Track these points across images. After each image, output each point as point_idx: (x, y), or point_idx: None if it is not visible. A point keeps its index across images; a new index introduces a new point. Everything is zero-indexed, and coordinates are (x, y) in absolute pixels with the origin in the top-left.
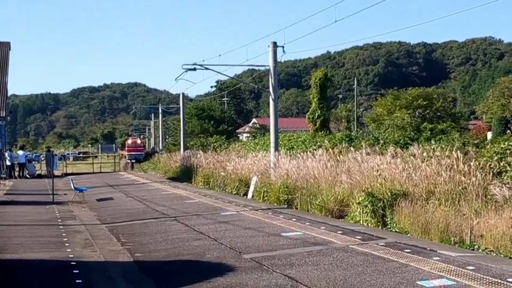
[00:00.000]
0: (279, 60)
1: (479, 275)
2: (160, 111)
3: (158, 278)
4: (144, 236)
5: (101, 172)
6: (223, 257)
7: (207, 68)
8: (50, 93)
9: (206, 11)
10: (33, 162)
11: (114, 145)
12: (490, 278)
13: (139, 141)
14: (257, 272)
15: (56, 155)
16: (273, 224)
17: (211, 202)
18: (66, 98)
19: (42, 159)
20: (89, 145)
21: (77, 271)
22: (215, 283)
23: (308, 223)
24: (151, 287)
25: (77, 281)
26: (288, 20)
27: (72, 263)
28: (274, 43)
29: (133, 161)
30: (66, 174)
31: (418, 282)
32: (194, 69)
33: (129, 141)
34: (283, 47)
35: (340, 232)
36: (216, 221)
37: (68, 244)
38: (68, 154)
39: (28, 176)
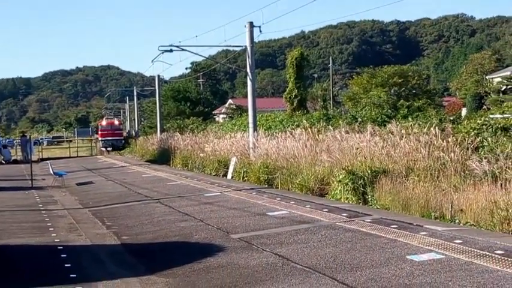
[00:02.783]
0: (255, 40)
1: (467, 248)
2: (135, 94)
3: (148, 260)
4: (129, 218)
5: (77, 156)
6: (211, 237)
7: (183, 49)
8: (21, 78)
9: None
10: (8, 147)
11: (90, 129)
12: (478, 251)
13: (117, 123)
14: (247, 251)
15: (29, 140)
16: (257, 204)
17: (193, 183)
18: (38, 82)
19: (17, 144)
20: (63, 129)
21: (65, 255)
22: (206, 263)
23: (293, 202)
24: (141, 269)
25: (66, 265)
26: (265, 0)
27: (59, 247)
28: (251, 23)
29: (109, 148)
30: (43, 159)
31: (407, 257)
32: (171, 50)
33: (104, 122)
34: (259, 27)
35: (326, 210)
36: (200, 202)
37: (52, 229)
38: (42, 139)
39: (3, 162)
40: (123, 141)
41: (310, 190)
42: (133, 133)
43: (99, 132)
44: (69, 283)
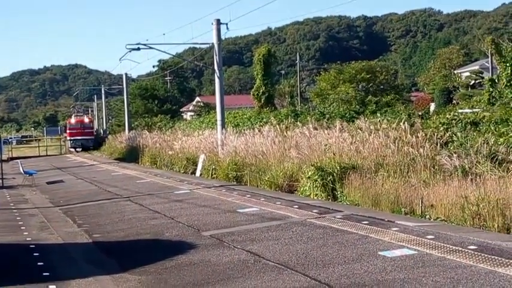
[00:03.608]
0: (222, 37)
1: (439, 243)
2: (103, 92)
3: (120, 257)
4: (99, 217)
5: (47, 155)
6: (182, 235)
7: (151, 48)
8: None
9: None
10: None
11: (59, 128)
12: (451, 246)
13: (87, 120)
14: (218, 248)
15: None
16: (228, 201)
17: (163, 181)
18: (6, 82)
19: None
20: (32, 128)
21: (37, 254)
22: (178, 261)
23: (263, 199)
24: (113, 267)
25: (39, 263)
26: None
27: (31, 246)
28: (218, 20)
29: (78, 149)
30: (12, 159)
31: (380, 253)
32: (138, 48)
33: (72, 120)
34: (227, 24)
35: (296, 206)
36: (170, 199)
37: (24, 228)
38: (11, 138)
39: None
40: (94, 140)
41: (279, 187)
42: (102, 132)
43: (68, 131)
44: (42, 281)
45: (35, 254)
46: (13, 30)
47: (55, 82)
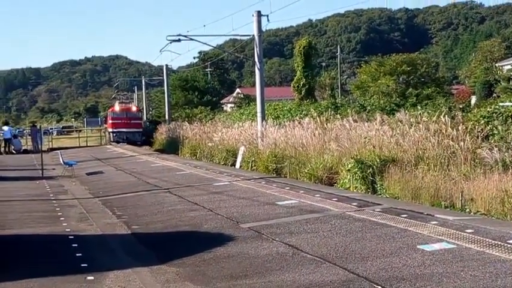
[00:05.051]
0: (262, 29)
1: (478, 237)
2: (143, 83)
3: (158, 249)
4: (138, 208)
5: (87, 146)
6: (220, 227)
7: (191, 39)
8: (31, 68)
9: None
10: (18, 137)
11: (99, 119)
12: (490, 241)
13: (134, 109)
14: (257, 240)
15: (39, 130)
16: (267, 193)
17: (202, 173)
18: (47, 72)
19: (27, 134)
20: (72, 119)
21: (76, 245)
22: (216, 253)
23: (302, 191)
24: (152, 258)
25: (77, 254)
26: None
27: (69, 237)
28: (259, 12)
29: (123, 143)
30: (52, 149)
31: (418, 247)
32: (179, 40)
33: (116, 108)
34: (267, 16)
35: (335, 199)
36: (209, 191)
37: (63, 218)
38: (52, 129)
39: (14, 152)
40: (142, 134)
41: (319, 179)
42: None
43: (110, 122)
44: (80, 272)
45: (73, 245)
46: (54, 20)
47: (96, 73)
